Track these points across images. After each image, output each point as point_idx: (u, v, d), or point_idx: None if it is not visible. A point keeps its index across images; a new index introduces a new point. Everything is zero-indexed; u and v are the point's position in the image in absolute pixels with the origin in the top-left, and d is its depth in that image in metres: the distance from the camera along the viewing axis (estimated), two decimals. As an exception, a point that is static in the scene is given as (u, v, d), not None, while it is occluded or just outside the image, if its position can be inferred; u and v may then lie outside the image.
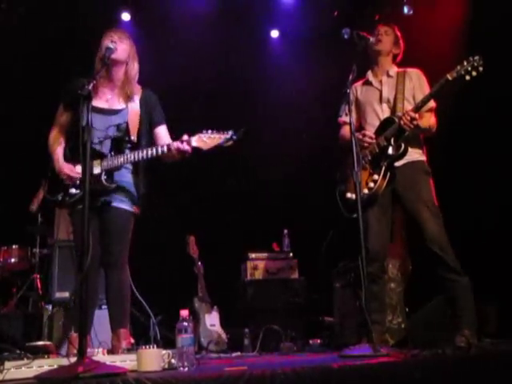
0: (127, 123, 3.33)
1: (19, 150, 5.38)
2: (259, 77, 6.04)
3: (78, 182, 3.22)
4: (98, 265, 3.23)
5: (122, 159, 3.22)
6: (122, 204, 3.30)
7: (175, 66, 5.66)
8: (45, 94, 5.23)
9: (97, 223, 3.24)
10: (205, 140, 3.10)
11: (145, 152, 3.19)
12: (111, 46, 3.16)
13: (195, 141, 3.12)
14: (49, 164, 3.37)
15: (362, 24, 3.66)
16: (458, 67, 3.22)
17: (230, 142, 3.11)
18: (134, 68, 3.40)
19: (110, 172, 3.24)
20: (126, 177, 3.33)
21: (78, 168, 3.19)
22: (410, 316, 4.20)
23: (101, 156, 3.23)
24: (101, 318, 3.54)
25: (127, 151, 3.28)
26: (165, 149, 3.17)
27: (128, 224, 3.34)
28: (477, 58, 3.20)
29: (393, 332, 4.06)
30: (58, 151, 3.35)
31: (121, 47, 3.28)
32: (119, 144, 3.30)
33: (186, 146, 3.14)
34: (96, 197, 3.18)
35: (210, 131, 3.11)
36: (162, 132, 3.44)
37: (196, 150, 3.15)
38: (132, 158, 3.21)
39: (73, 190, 3.23)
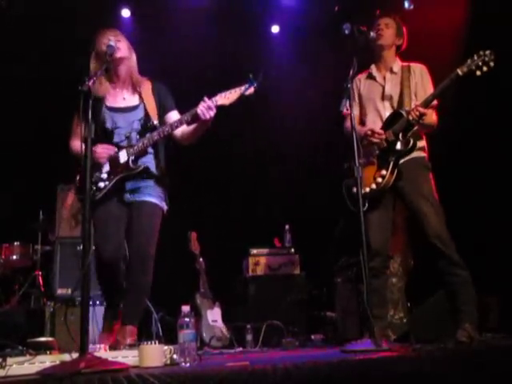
0: (147, 112, 3.34)
1: (19, 148, 5.38)
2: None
3: (103, 174, 3.23)
4: (121, 260, 3.22)
5: (145, 141, 3.23)
6: (150, 198, 3.30)
7: (175, 61, 5.65)
8: (44, 92, 5.24)
9: (125, 218, 3.27)
10: (226, 96, 3.07)
11: (169, 126, 3.20)
12: (112, 43, 3.16)
13: (217, 100, 3.09)
14: (76, 167, 3.35)
15: (362, 18, 3.61)
16: (469, 61, 3.12)
17: (252, 90, 3.07)
18: (133, 60, 3.43)
19: (135, 156, 3.24)
20: (153, 171, 3.32)
21: (109, 148, 3.25)
22: (412, 311, 4.21)
23: (127, 146, 3.27)
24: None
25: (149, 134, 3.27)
26: (189, 117, 3.16)
27: (155, 220, 3.32)
28: (488, 52, 3.09)
29: (394, 327, 4.07)
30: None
31: (122, 45, 3.31)
32: (144, 132, 3.30)
33: (210, 103, 3.08)
34: (124, 188, 3.24)
35: (227, 90, 3.07)
36: (174, 117, 3.39)
37: (220, 109, 3.11)
38: (156, 136, 3.21)
39: (101, 184, 3.22)
